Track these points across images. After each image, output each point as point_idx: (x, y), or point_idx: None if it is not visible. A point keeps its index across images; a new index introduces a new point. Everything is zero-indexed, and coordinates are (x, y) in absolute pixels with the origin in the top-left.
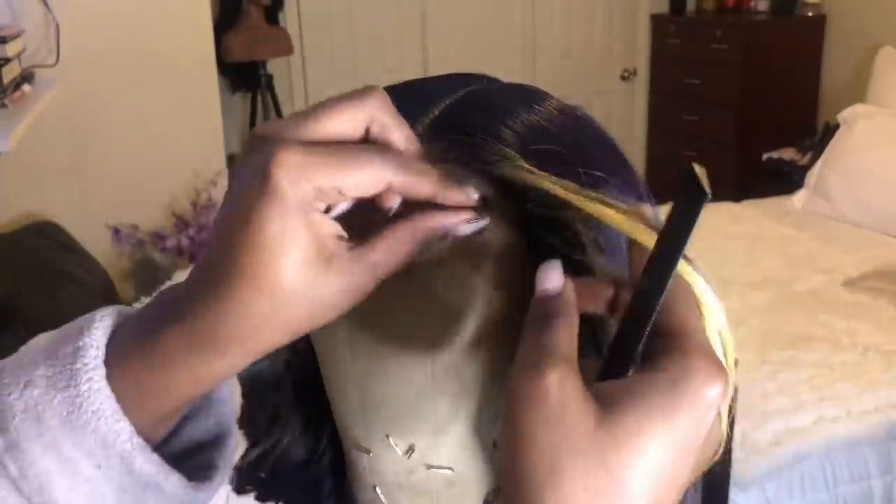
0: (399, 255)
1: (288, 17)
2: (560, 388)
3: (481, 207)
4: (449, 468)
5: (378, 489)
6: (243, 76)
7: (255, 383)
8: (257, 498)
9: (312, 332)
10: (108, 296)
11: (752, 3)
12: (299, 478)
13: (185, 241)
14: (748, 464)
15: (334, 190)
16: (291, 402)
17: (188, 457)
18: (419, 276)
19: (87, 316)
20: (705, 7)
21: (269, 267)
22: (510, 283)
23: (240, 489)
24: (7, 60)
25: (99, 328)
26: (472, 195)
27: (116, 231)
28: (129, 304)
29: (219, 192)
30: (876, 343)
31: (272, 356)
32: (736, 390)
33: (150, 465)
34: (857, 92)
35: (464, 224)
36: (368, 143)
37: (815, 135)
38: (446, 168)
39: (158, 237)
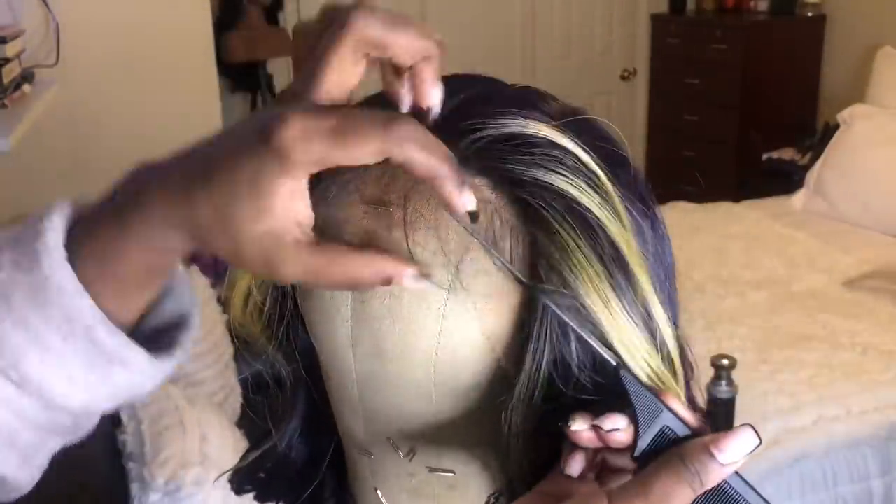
0: (347, 279)
1: (288, 17)
2: None
3: (473, 215)
4: (451, 471)
5: (379, 491)
6: (243, 76)
7: (256, 384)
8: (256, 498)
9: (314, 333)
10: None
11: (752, 3)
12: (300, 478)
13: None
14: (747, 464)
15: (328, 159)
16: (293, 403)
17: (154, 341)
18: None
19: (46, 205)
20: (705, 7)
21: (226, 201)
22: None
23: (239, 490)
24: (7, 61)
25: (57, 213)
26: (469, 198)
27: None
28: None
29: None
30: (876, 343)
31: (274, 356)
32: (735, 390)
33: (111, 338)
34: (857, 92)
35: (409, 280)
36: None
37: (815, 135)
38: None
39: None
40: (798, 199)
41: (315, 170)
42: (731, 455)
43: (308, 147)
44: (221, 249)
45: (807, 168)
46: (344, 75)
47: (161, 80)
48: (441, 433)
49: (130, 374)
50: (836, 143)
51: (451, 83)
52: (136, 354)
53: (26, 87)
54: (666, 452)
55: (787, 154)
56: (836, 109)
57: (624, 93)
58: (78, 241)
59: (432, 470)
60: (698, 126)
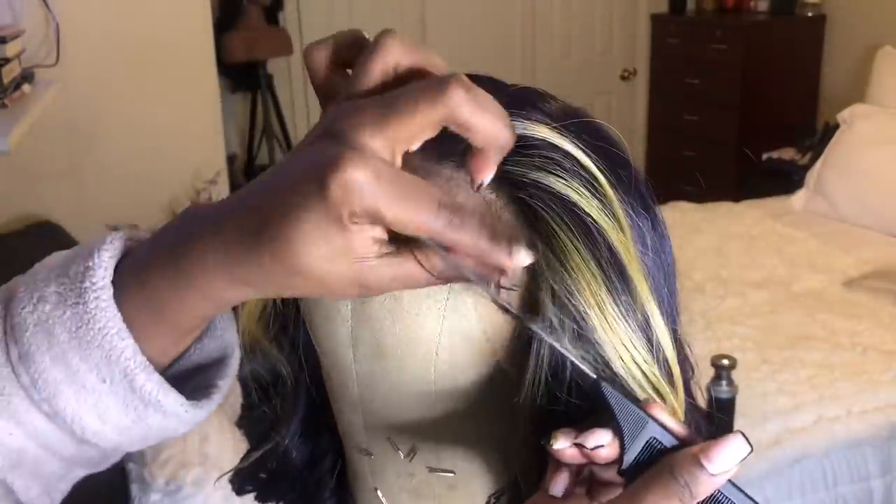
0: (410, 284)
1: (288, 17)
2: None
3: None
4: (451, 471)
5: (379, 491)
6: (243, 76)
7: (256, 385)
8: (257, 498)
9: (314, 333)
10: None
11: (752, 3)
12: (300, 478)
13: None
14: (747, 464)
15: (379, 218)
16: (292, 404)
17: (190, 377)
18: None
19: (98, 237)
20: (705, 7)
21: (298, 255)
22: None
23: (240, 490)
24: (7, 60)
25: (108, 249)
26: (519, 260)
27: (116, 231)
28: None
29: (218, 192)
30: (876, 343)
31: (274, 357)
32: (735, 390)
33: (150, 383)
34: (857, 92)
35: (491, 287)
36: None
37: (815, 135)
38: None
39: None
40: (798, 199)
41: (370, 222)
42: (722, 465)
43: (366, 203)
44: (308, 293)
45: (807, 168)
46: (419, 136)
47: (161, 80)
48: (441, 433)
49: (165, 419)
50: (836, 143)
51: None
52: (174, 400)
53: (26, 87)
54: (655, 465)
55: (787, 154)
56: (836, 109)
57: (624, 93)
58: (126, 282)
59: (432, 470)
60: (698, 126)
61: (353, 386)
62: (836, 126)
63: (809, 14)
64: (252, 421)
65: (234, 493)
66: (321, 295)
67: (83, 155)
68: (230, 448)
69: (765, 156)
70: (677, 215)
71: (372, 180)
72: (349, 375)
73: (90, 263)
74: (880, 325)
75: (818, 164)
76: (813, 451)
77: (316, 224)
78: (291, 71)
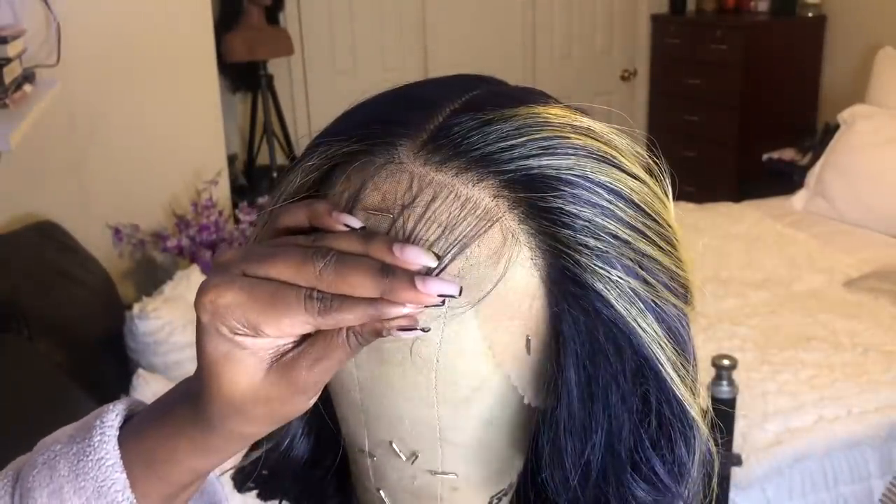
0: (333, 362)
1: (288, 17)
2: None
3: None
4: (453, 474)
5: (381, 492)
6: (243, 76)
7: None
8: (259, 496)
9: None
10: (108, 296)
11: (752, 4)
12: (302, 476)
13: (185, 241)
14: (748, 464)
15: (256, 330)
16: None
17: None
18: None
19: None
20: (705, 7)
21: (216, 381)
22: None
23: (241, 487)
24: (8, 60)
25: (122, 403)
26: (430, 289)
27: (117, 231)
28: (130, 304)
29: (219, 192)
30: (876, 343)
31: None
32: (736, 390)
33: None
34: (857, 92)
35: (398, 329)
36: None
37: (815, 135)
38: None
39: (159, 237)
40: (798, 199)
41: (251, 335)
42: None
43: (235, 318)
44: (271, 416)
45: (807, 168)
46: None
47: (161, 81)
48: (443, 438)
49: None
50: (837, 144)
51: (455, 83)
52: None
53: (27, 87)
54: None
55: (788, 154)
56: (837, 109)
57: (624, 93)
58: (127, 434)
59: (434, 473)
60: (698, 126)
61: (355, 391)
62: (837, 126)
63: (809, 14)
64: None
65: (235, 491)
66: (291, 414)
67: (83, 154)
68: None
69: (765, 156)
70: (677, 215)
71: (232, 297)
72: (351, 381)
73: (105, 408)
74: (880, 326)
75: (818, 164)
76: (813, 452)
77: (212, 345)
78: (291, 71)
